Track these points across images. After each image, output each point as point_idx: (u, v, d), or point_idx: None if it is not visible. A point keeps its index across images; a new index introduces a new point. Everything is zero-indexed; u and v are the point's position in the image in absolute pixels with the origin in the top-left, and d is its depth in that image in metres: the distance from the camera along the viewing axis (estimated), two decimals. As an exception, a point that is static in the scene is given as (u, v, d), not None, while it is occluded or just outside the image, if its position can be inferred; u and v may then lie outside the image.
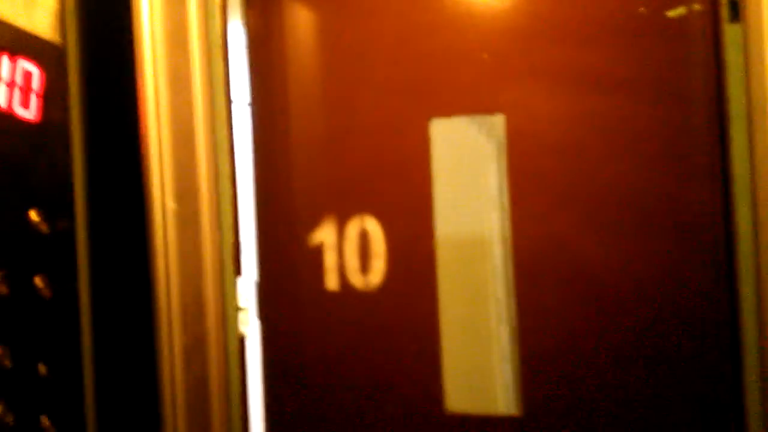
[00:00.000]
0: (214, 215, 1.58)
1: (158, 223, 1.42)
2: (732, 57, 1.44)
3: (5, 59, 1.35)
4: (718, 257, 1.48)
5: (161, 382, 1.38)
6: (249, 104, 1.72)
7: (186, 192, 1.51)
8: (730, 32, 1.44)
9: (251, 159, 1.72)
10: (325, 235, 1.67)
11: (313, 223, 1.68)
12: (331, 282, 1.67)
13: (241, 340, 1.67)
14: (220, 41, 1.63)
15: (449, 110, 1.61)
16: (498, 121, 1.59)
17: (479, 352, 1.61)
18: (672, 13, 1.50)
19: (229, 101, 1.64)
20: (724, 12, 1.44)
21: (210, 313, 1.55)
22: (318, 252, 1.67)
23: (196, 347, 1.49)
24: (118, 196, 1.44)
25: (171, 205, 1.45)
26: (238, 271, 1.66)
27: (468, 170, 1.60)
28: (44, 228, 1.32)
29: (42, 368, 1.25)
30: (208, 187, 1.57)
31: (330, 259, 1.67)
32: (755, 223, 1.40)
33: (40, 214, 1.32)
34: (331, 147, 1.68)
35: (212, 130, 1.59)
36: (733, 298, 1.45)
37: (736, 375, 1.45)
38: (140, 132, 1.43)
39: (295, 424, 1.71)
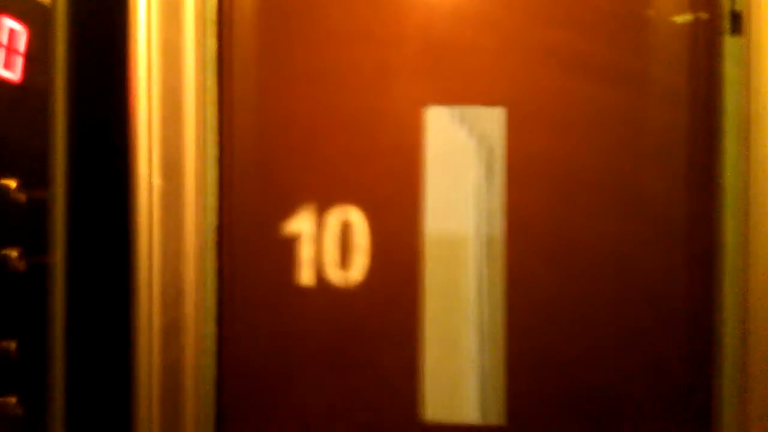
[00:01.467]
0: (199, 196, 1.52)
1: (143, 199, 1.37)
2: (730, 69, 1.46)
3: (-12, 17, 1.27)
4: (707, 262, 1.49)
5: (137, 364, 1.33)
6: (217, 74, 1.58)
7: (171, 170, 1.46)
8: (731, 44, 1.46)
9: (218, 133, 1.58)
10: (301, 224, 1.57)
11: (289, 209, 1.57)
12: (306, 276, 1.57)
13: (219, 326, 1.60)
14: (214, 17, 1.58)
15: (446, 98, 1.55)
16: (498, 113, 1.55)
17: (463, 358, 1.54)
18: (679, 19, 1.51)
19: (220, 78, 1.58)
20: (726, 23, 1.46)
21: (189, 296, 1.49)
22: (292, 242, 1.57)
23: (172, 330, 1.44)
24: (101, 168, 1.38)
25: (157, 181, 1.40)
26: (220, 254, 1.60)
27: (463, 163, 1.56)
28: (21, 197, 1.25)
29: (11, 345, 1.19)
30: (195, 167, 1.51)
31: (306, 251, 1.57)
32: (743, 234, 1.42)
33: (17, 181, 1.25)
34: (314, 127, 1.57)
35: (202, 107, 1.54)
36: (712, 303, 1.47)
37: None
38: (129, 103, 1.37)
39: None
